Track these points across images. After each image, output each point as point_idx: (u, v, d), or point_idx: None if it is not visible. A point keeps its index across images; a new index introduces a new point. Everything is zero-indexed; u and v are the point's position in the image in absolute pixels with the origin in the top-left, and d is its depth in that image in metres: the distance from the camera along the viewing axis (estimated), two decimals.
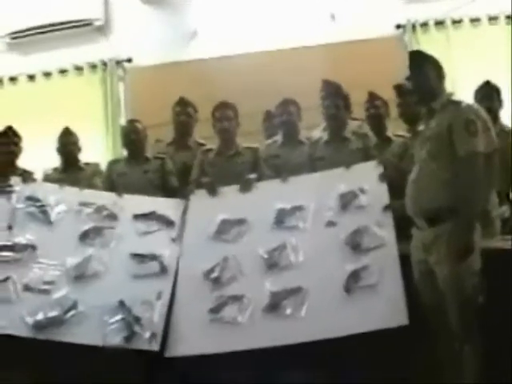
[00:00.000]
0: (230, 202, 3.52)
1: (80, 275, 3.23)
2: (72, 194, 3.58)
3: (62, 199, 3.51)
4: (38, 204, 3.46)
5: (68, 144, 4.18)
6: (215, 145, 3.90)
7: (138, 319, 3.07)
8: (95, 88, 5.74)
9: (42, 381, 3.08)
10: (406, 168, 3.01)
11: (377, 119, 3.86)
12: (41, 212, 3.44)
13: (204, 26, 5.67)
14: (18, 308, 3.08)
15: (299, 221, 3.32)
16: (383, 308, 2.85)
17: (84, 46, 5.76)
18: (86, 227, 3.42)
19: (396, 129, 3.89)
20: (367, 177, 3.37)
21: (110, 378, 3.01)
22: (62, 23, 5.66)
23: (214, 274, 3.21)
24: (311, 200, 3.37)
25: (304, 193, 3.42)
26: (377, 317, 2.84)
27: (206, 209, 3.50)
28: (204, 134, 4.23)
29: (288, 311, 3.00)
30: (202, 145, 4.13)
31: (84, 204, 3.53)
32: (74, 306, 3.10)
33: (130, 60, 5.75)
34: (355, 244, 3.12)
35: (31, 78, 5.80)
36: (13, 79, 5.80)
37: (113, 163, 4.15)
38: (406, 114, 3.63)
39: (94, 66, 5.79)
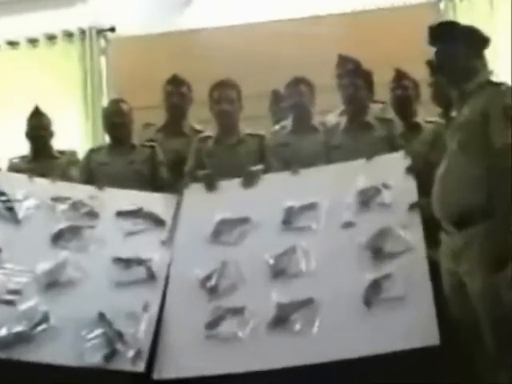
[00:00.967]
0: (230, 198, 3.57)
1: (52, 283, 3.27)
2: (43, 187, 3.64)
3: (31, 193, 3.57)
4: (3, 199, 3.51)
5: (38, 127, 4.23)
6: (214, 131, 3.95)
7: (120, 335, 3.11)
8: (71, 62, 5.80)
9: None
10: (437, 160, 3.02)
11: (404, 102, 3.90)
12: (6, 208, 3.49)
13: None
14: None
15: (311, 221, 3.37)
16: (410, 325, 2.88)
17: (58, 10, 5.79)
18: (60, 226, 3.48)
19: (427, 114, 3.92)
20: (392, 170, 3.41)
21: None
22: None
23: (211, 282, 3.26)
24: (325, 196, 3.42)
25: (317, 188, 3.46)
26: (402, 335, 2.87)
27: (203, 206, 3.56)
28: (201, 117, 4.29)
29: (297, 327, 3.04)
30: (199, 131, 4.18)
31: (58, 199, 3.59)
32: (44, 320, 3.13)
33: (113, 29, 5.79)
34: (377, 249, 3.16)
35: None
36: None
37: (92, 151, 4.20)
38: (440, 96, 3.64)
39: (69, 35, 5.84)
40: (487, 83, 2.81)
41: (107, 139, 4.28)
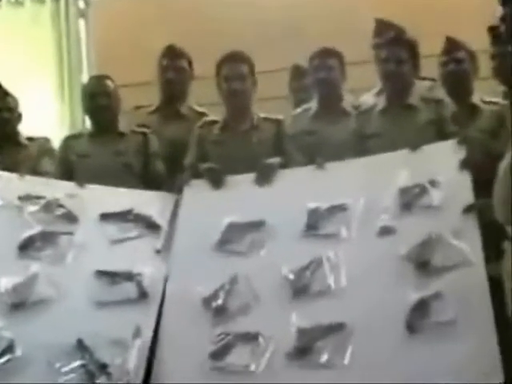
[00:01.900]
0: (241, 197, 3.59)
1: (20, 303, 3.30)
2: (8, 184, 3.68)
3: None
4: None
5: (1, 109, 4.25)
6: (221, 115, 3.98)
7: (104, 366, 3.13)
8: (42, 27, 5.86)
9: None
10: (500, 151, 3.03)
11: (458, 78, 3.90)
12: None
13: None
14: None
15: (341, 226, 3.39)
16: (464, 357, 2.89)
17: None
18: (30, 233, 3.51)
19: (487, 93, 3.93)
20: (442, 163, 3.43)
21: None
22: None
23: (218, 302, 3.28)
24: (358, 196, 3.43)
25: (348, 186, 3.49)
26: (454, 369, 2.88)
27: (207, 207, 3.59)
28: (204, 98, 4.32)
29: (324, 358, 3.05)
30: (202, 114, 4.22)
31: (27, 198, 3.62)
32: (8, 349, 3.14)
33: None
34: (423, 261, 3.17)
35: None
36: None
37: (70, 139, 4.23)
38: (504, 70, 3.64)
39: None
40: None
41: (88, 124, 4.30)
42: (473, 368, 2.84)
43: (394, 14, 4.07)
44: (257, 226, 3.47)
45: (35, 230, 3.52)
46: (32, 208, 3.60)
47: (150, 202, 3.68)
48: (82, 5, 5.88)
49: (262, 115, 3.95)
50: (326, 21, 5.12)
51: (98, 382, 3.09)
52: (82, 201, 3.65)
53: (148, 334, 3.22)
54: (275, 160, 3.73)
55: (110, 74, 4.24)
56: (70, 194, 3.66)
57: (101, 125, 4.10)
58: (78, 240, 3.52)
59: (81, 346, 3.16)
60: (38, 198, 3.63)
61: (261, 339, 3.14)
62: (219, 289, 3.30)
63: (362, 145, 3.78)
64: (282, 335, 3.13)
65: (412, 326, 3.03)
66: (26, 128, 4.38)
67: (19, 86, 4.51)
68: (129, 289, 3.36)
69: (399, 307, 3.06)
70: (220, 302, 3.27)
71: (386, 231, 3.32)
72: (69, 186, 3.73)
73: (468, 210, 3.23)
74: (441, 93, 3.99)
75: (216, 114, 4.05)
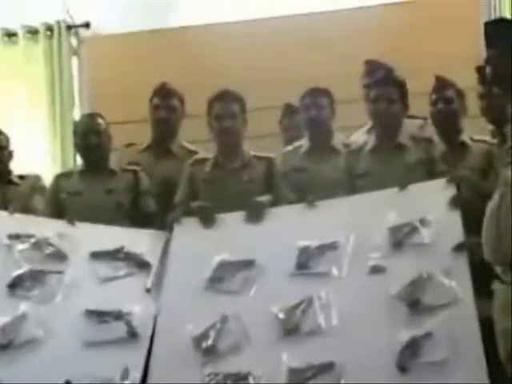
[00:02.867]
0: (232, 235, 3.59)
1: (7, 343, 3.28)
2: None
3: None
4: None
5: None
6: (212, 152, 3.98)
7: None
8: (36, 64, 5.87)
9: None
10: (489, 190, 3.03)
11: (447, 117, 3.91)
12: None
13: None
14: None
15: (331, 265, 3.37)
16: None
17: (19, 1, 5.82)
18: (19, 272, 3.49)
19: (475, 131, 3.94)
20: (432, 202, 3.42)
21: None
22: None
23: (208, 342, 3.25)
24: (349, 235, 3.42)
25: (339, 224, 3.48)
26: None
27: (198, 245, 3.57)
28: (195, 136, 4.32)
29: None
30: (193, 152, 4.21)
31: (16, 236, 3.61)
32: None
33: (87, 25, 5.86)
34: (413, 300, 3.16)
35: None
36: None
37: (61, 177, 4.22)
38: (492, 109, 3.65)
39: (34, 32, 5.92)
40: None
41: (79, 162, 4.29)
42: None
43: (384, 53, 4.09)
44: (247, 264, 3.46)
45: (24, 268, 3.50)
46: (21, 246, 3.58)
47: (140, 240, 3.67)
48: (74, 42, 5.89)
49: (253, 153, 3.95)
50: (315, 59, 5.17)
51: None
52: (72, 239, 3.63)
53: (136, 375, 3.19)
54: (266, 198, 3.72)
55: (102, 112, 4.26)
56: (60, 233, 3.65)
57: (92, 163, 4.09)
58: (68, 279, 3.50)
59: None
60: (28, 236, 3.61)
61: (251, 379, 3.11)
62: (210, 328, 3.28)
63: (352, 183, 3.78)
64: (273, 375, 3.11)
65: (403, 366, 3.01)
66: (18, 165, 4.36)
67: (12, 123, 4.50)
68: (118, 328, 3.33)
69: (390, 347, 3.05)
70: (210, 341, 3.25)
71: (376, 270, 3.31)
72: (59, 225, 3.71)
73: (458, 248, 3.23)
74: (431, 131, 4.00)
75: (207, 151, 4.04)
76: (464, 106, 3.94)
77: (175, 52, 5.49)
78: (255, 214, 3.63)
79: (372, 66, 3.96)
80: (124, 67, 5.56)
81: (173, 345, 3.28)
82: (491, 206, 2.87)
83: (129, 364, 3.21)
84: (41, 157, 5.56)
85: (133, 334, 3.32)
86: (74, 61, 5.91)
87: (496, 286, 2.87)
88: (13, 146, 4.32)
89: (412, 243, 3.34)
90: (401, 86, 3.84)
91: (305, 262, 3.41)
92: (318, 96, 4.02)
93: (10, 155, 4.30)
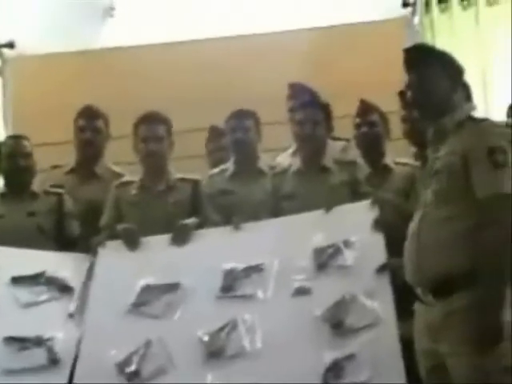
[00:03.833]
0: (156, 258, 3.57)
1: None
2: None
3: None
4: None
5: None
6: (137, 175, 3.97)
7: None
8: None
9: None
10: (412, 212, 3.07)
11: (371, 140, 3.97)
12: None
13: None
14: None
15: (256, 287, 3.38)
16: None
17: None
18: None
19: (398, 154, 4.01)
20: (356, 223, 3.46)
21: None
22: None
23: (132, 367, 3.23)
24: (274, 257, 3.44)
25: (264, 246, 3.50)
26: None
27: (122, 269, 3.55)
28: (120, 158, 4.30)
29: None
30: (118, 174, 4.19)
31: None
32: None
33: (11, 45, 5.78)
34: (337, 322, 3.18)
35: None
36: None
37: None
38: (414, 132, 3.71)
39: None
40: (468, 120, 2.87)
41: (0, 184, 4.23)
42: None
43: (309, 77, 4.14)
44: (172, 287, 3.45)
45: None
46: None
47: (63, 264, 3.62)
48: None
49: (179, 175, 3.95)
50: (241, 82, 5.20)
51: None
52: None
53: None
54: (191, 220, 3.72)
55: (27, 133, 4.21)
56: None
57: (16, 186, 4.04)
58: None
59: None
60: None
61: None
62: (133, 353, 3.26)
63: (277, 205, 3.81)
64: None
65: None
66: None
67: None
68: (39, 355, 3.29)
69: (315, 368, 3.07)
70: (134, 367, 3.22)
71: (301, 292, 3.33)
72: None
73: (381, 269, 3.26)
74: (355, 152, 4.05)
75: (133, 174, 4.02)
76: (387, 130, 4.01)
77: (100, 73, 5.45)
78: (180, 237, 3.63)
79: (295, 89, 4.00)
80: (49, 88, 5.51)
81: (96, 370, 3.25)
82: (411, 227, 2.90)
83: None
84: None
85: (53, 361, 3.28)
86: None
87: (416, 306, 2.90)
88: None
89: (336, 265, 3.37)
90: (325, 108, 3.90)
91: (230, 284, 3.42)
92: (244, 118, 4.04)
93: None
